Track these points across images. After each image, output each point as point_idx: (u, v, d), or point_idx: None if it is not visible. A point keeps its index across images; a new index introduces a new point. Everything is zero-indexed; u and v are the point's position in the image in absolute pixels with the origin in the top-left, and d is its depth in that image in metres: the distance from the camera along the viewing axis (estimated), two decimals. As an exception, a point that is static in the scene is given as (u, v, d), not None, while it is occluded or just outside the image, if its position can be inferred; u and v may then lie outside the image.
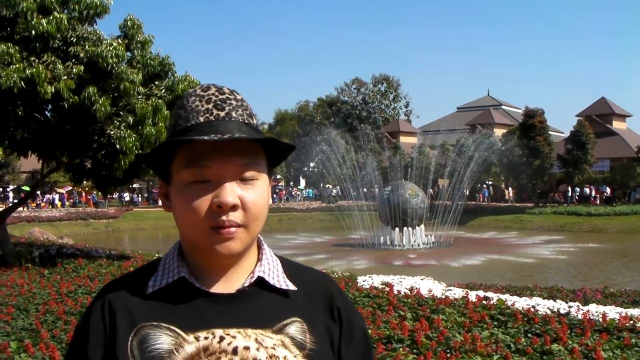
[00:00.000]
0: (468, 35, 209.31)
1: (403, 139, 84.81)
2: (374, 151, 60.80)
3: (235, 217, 1.68)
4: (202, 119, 1.69)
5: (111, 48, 15.24)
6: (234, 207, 1.67)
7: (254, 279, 1.78)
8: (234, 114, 1.72)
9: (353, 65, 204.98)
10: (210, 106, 1.71)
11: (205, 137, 1.63)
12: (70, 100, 14.80)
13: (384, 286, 12.02)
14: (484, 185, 71.77)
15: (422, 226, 38.91)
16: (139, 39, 17.41)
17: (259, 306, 1.76)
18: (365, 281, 13.83)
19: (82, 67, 15.09)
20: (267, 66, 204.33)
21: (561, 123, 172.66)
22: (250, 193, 1.71)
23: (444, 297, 10.49)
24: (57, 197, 66.89)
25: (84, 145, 16.39)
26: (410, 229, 37.92)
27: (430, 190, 59.15)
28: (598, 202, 60.68)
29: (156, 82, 17.49)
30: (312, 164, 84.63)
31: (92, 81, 15.14)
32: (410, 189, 38.50)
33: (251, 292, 1.77)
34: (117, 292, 1.77)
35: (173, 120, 1.76)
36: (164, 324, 1.68)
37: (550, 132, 64.04)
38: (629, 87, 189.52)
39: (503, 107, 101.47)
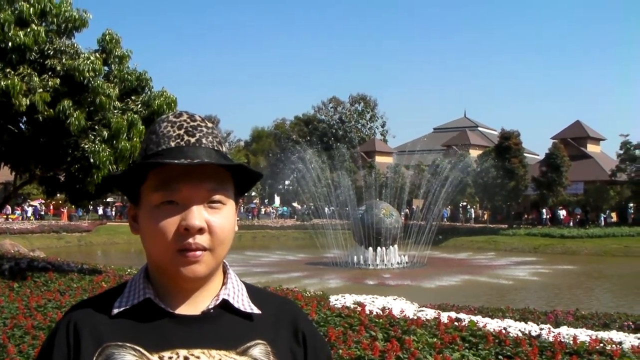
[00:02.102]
0: (446, 56, 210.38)
1: (379, 159, 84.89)
2: (349, 170, 60.82)
3: (201, 241, 1.70)
4: (173, 144, 1.73)
5: (88, 62, 15.18)
6: (200, 231, 1.70)
7: (218, 301, 1.80)
8: (204, 141, 1.75)
9: (331, 84, 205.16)
10: (181, 132, 1.74)
11: (176, 161, 1.67)
12: (45, 113, 14.73)
13: (356, 306, 12.03)
14: (467, 206, 72.03)
15: (396, 246, 38.93)
16: (117, 53, 17.38)
17: (223, 328, 1.77)
18: (338, 300, 13.84)
19: (58, 80, 15.03)
20: (244, 83, 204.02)
21: (537, 145, 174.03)
22: (217, 217, 1.74)
23: (415, 317, 10.50)
24: (30, 209, 66.37)
25: (58, 158, 16.30)
26: (384, 248, 37.92)
27: (406, 210, 59.37)
28: (571, 224, 60.93)
29: (132, 97, 17.45)
30: (287, 182, 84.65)
31: (68, 94, 15.07)
32: (384, 209, 38.54)
33: (216, 314, 1.79)
34: (83, 312, 1.78)
35: (145, 145, 1.79)
36: (128, 344, 1.68)
37: (525, 154, 64.44)
38: (604, 111, 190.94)
39: (479, 128, 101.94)
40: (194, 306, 1.78)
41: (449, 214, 49.11)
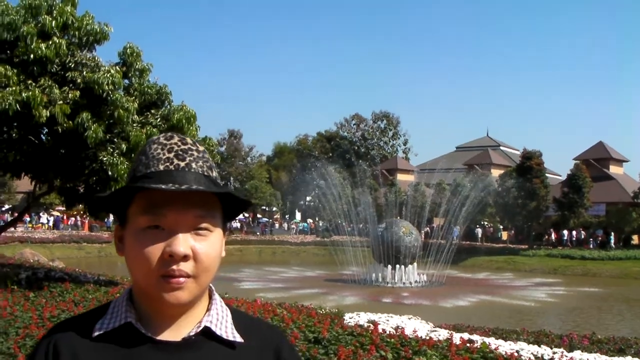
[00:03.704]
0: (470, 75, 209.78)
1: (400, 177, 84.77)
2: (371, 188, 60.77)
3: (185, 268, 1.68)
4: (162, 167, 1.71)
5: (108, 75, 15.24)
6: (185, 258, 1.68)
7: (200, 328, 1.77)
8: (194, 165, 1.73)
9: (353, 101, 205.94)
10: (171, 155, 1.72)
11: (163, 186, 1.65)
12: (65, 124, 14.79)
13: (369, 324, 11.98)
14: (486, 225, 71.77)
15: (415, 264, 38.86)
16: (137, 66, 17.43)
17: (203, 356, 1.75)
18: (352, 318, 13.80)
19: (78, 93, 15.10)
20: (268, 98, 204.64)
21: (559, 166, 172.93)
22: (203, 245, 1.71)
23: (428, 338, 10.44)
24: (51, 219, 66.74)
25: (77, 169, 16.38)
26: (402, 266, 37.85)
27: (426, 228, 59.20)
28: (592, 246, 60.50)
29: (152, 111, 17.49)
30: (308, 198, 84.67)
31: (87, 107, 15.14)
32: (404, 227, 38.52)
33: (197, 341, 1.77)
34: (64, 333, 1.76)
35: (134, 166, 1.78)
36: None
37: (547, 175, 64.07)
38: (627, 132, 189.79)
39: (502, 147, 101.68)
40: (176, 332, 1.76)
41: (460, 233, 48.61)
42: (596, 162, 70.97)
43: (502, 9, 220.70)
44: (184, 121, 17.01)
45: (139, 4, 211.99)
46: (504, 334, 14.83)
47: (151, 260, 1.67)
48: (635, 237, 64.29)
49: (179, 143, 1.75)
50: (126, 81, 17.29)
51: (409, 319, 14.78)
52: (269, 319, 11.08)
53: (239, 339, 1.80)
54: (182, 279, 1.67)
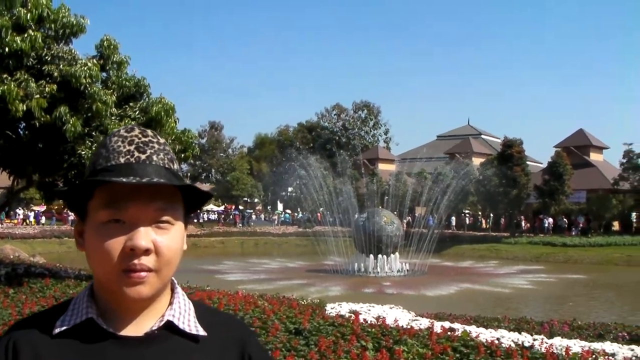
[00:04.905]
0: (451, 64, 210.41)
1: (382, 166, 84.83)
2: (352, 177, 60.80)
3: (147, 262, 1.66)
4: (122, 160, 1.68)
5: (85, 68, 15.15)
6: (146, 252, 1.66)
7: (163, 322, 1.75)
8: (154, 158, 1.71)
9: (334, 91, 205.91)
10: (132, 148, 1.70)
11: (124, 179, 1.62)
12: (42, 119, 14.69)
13: (350, 314, 11.99)
14: (469, 213, 72.06)
15: (397, 254, 38.89)
16: (114, 59, 17.32)
17: (166, 350, 1.73)
18: (334, 309, 13.80)
19: (55, 86, 14.99)
20: (248, 90, 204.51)
21: (540, 153, 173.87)
22: (165, 238, 1.69)
23: (409, 327, 10.46)
24: (31, 214, 66.44)
25: (55, 164, 16.29)
26: (384, 256, 37.88)
27: (408, 217, 59.29)
28: (573, 232, 60.84)
29: (130, 104, 17.43)
30: (290, 189, 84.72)
31: (65, 101, 15.04)
32: (385, 216, 38.54)
33: (160, 335, 1.75)
34: (24, 331, 1.74)
35: (94, 159, 1.75)
36: None
37: (528, 163, 64.32)
38: (607, 120, 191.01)
39: (483, 136, 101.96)
40: (138, 327, 1.74)
41: (437, 222, 48.41)
42: (576, 150, 71.22)
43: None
44: (162, 113, 16.94)
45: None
46: (485, 321, 14.88)
47: (112, 255, 1.64)
48: (615, 224, 64.74)
49: (140, 135, 1.72)
50: (104, 74, 17.19)
51: (391, 308, 14.80)
52: (250, 310, 11.08)
53: (202, 332, 1.78)
54: (143, 273, 1.65)
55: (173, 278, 1.82)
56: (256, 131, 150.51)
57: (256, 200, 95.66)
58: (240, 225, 74.50)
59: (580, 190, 64.28)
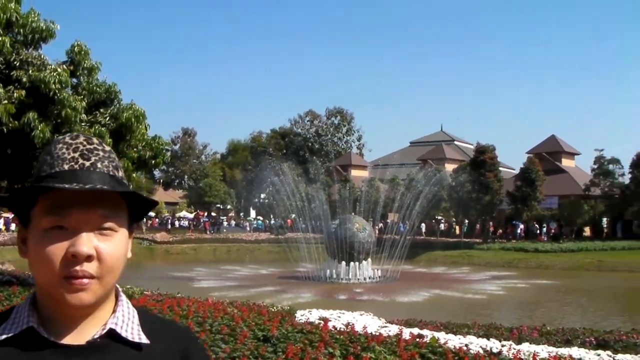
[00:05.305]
0: (424, 70, 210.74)
1: (354, 172, 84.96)
2: (325, 184, 60.83)
3: (89, 268, 1.65)
4: (66, 167, 1.67)
5: (55, 74, 15.11)
6: (88, 258, 1.65)
7: (105, 330, 1.74)
8: (99, 165, 1.71)
9: (307, 97, 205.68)
10: (76, 155, 1.69)
11: (67, 186, 1.62)
12: (10, 124, 14.62)
13: (320, 321, 11.98)
14: (442, 219, 72.31)
15: (369, 260, 38.89)
16: (85, 65, 17.28)
17: (108, 358, 1.72)
18: (304, 315, 13.79)
19: (23, 92, 14.95)
20: (222, 96, 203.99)
21: (512, 159, 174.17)
22: (107, 245, 1.69)
23: (377, 334, 10.47)
24: (1, 221, 65.79)
25: (24, 170, 16.19)
26: (356, 263, 37.86)
27: (380, 224, 59.37)
28: (544, 238, 61.21)
29: (101, 110, 17.35)
30: (263, 195, 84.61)
31: (34, 106, 14.98)
32: (357, 223, 38.54)
33: (102, 344, 1.73)
34: None
35: (38, 166, 1.74)
36: None
37: (501, 169, 64.67)
38: (578, 126, 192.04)
39: (456, 142, 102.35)
40: (80, 335, 1.72)
41: (408, 228, 48.09)
42: (548, 156, 71.69)
43: (454, 4, 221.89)
44: (133, 120, 16.90)
45: (87, 2, 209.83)
46: (455, 328, 14.89)
47: (54, 261, 1.63)
48: (587, 229, 65.23)
49: (85, 143, 1.72)
50: (74, 80, 17.14)
51: (361, 315, 14.81)
52: (219, 317, 11.05)
53: (145, 340, 1.77)
54: (85, 280, 1.64)
55: (117, 285, 1.81)
56: (229, 137, 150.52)
57: (229, 206, 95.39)
58: (212, 231, 74.25)
59: (552, 196, 64.71)
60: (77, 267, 1.63)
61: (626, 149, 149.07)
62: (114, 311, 1.80)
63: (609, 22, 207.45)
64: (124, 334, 1.76)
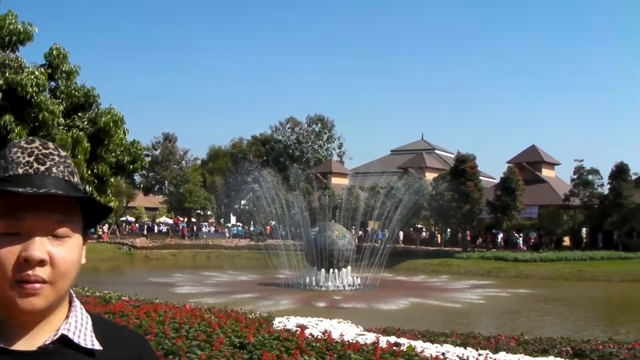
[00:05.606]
0: (405, 79, 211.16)
1: (335, 180, 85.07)
2: (305, 191, 60.84)
3: (41, 273, 1.62)
4: (21, 171, 1.65)
5: (32, 77, 15.02)
6: (41, 263, 1.62)
7: (57, 336, 1.70)
8: (54, 170, 1.69)
9: (288, 104, 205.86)
10: (31, 159, 1.67)
11: (21, 190, 1.59)
12: (-14, 128, 14.52)
13: (297, 328, 11.93)
14: (422, 228, 72.56)
15: (349, 268, 38.90)
16: (64, 68, 17.20)
17: None
18: (281, 323, 13.74)
19: (0, 95, 14.83)
20: (203, 102, 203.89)
21: (493, 169, 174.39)
22: (60, 250, 1.66)
23: (354, 341, 10.42)
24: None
25: None
26: (336, 270, 37.87)
27: (360, 232, 59.40)
28: (524, 248, 61.46)
29: (79, 114, 17.28)
30: (243, 202, 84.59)
31: (10, 109, 14.88)
32: (337, 230, 38.59)
33: (54, 350, 1.69)
34: None
35: None
36: None
37: (482, 178, 64.95)
38: (559, 136, 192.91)
39: (437, 151, 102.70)
40: (32, 341, 1.68)
41: (387, 236, 47.84)
42: (529, 166, 72.10)
43: (433, 11, 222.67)
44: (111, 124, 16.83)
45: (69, 5, 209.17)
46: (433, 336, 14.85)
47: (6, 266, 1.60)
48: (566, 239, 65.58)
49: (40, 147, 1.70)
50: (52, 83, 17.07)
51: (339, 322, 14.76)
52: (195, 324, 10.98)
53: (97, 346, 1.74)
54: (37, 285, 1.61)
55: (71, 291, 1.78)
56: (210, 143, 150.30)
57: (209, 212, 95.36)
58: (193, 237, 74.24)
59: (532, 205, 64.98)
60: (30, 272, 1.61)
61: (605, 159, 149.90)
62: (67, 317, 1.76)
63: (589, 32, 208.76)
64: (76, 340, 1.72)
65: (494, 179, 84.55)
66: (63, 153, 1.74)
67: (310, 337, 10.61)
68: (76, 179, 1.75)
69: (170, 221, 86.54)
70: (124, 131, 17.61)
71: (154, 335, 9.23)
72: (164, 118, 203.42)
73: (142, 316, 11.32)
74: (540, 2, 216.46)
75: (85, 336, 1.74)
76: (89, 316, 1.81)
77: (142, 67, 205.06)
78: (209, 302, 23.16)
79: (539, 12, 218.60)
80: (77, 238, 1.71)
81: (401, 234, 67.01)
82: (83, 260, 1.76)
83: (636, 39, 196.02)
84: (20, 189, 1.59)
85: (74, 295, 1.81)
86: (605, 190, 62.01)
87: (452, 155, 78.71)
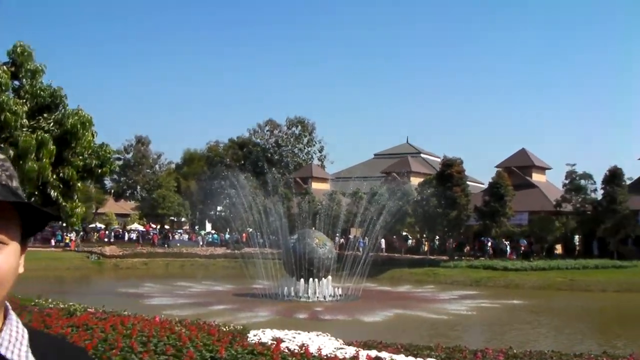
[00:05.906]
0: (390, 80, 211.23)
1: (315, 185, 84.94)
2: (283, 197, 60.70)
3: None
4: None
5: (-7, 75, 14.91)
6: None
7: None
8: None
9: (267, 106, 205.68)
10: None
11: None
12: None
13: (273, 342, 11.87)
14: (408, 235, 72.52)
15: (329, 277, 38.76)
16: (29, 67, 17.08)
17: None
18: (257, 336, 13.67)
19: (-41, 95, 14.73)
20: (178, 103, 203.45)
21: (481, 173, 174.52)
22: None
23: (332, 356, 10.37)
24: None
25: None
26: (316, 280, 37.72)
27: (341, 239, 59.26)
28: (514, 256, 61.35)
29: (45, 115, 17.18)
30: (219, 208, 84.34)
31: (-30, 110, 14.77)
32: (317, 238, 38.42)
33: None
34: None
35: None
36: None
37: (469, 183, 64.85)
38: (550, 139, 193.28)
39: (422, 155, 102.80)
40: None
41: (369, 244, 47.57)
42: (518, 170, 71.96)
43: (420, 12, 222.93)
44: (79, 126, 16.74)
45: (37, 4, 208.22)
46: (416, 350, 14.76)
47: None
48: (558, 247, 65.54)
49: None
50: (16, 82, 16.95)
51: (317, 335, 14.69)
52: (165, 337, 10.90)
53: None
54: None
55: (7, 303, 1.73)
56: (185, 147, 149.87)
57: (183, 219, 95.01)
58: (163, 245, 74.06)
59: (522, 211, 64.91)
60: None
61: (598, 164, 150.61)
62: (0, 331, 1.70)
63: (579, 36, 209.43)
64: (9, 356, 1.67)
65: (482, 184, 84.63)
66: (1, 156, 1.70)
67: (286, 350, 10.56)
68: (15, 184, 1.70)
69: (142, 228, 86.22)
70: (92, 133, 17.53)
71: (120, 350, 9.17)
72: (137, 121, 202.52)
73: (107, 329, 11.25)
74: (527, 5, 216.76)
75: (20, 351, 1.69)
76: (25, 330, 1.76)
77: (114, 67, 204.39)
78: (182, 314, 23.01)
79: (527, 15, 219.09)
80: (14, 246, 1.67)
81: (383, 241, 66.91)
82: (21, 270, 1.72)
83: (628, 42, 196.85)
84: None
85: (9, 307, 1.76)
86: (599, 195, 61.90)
87: (439, 160, 78.71)
